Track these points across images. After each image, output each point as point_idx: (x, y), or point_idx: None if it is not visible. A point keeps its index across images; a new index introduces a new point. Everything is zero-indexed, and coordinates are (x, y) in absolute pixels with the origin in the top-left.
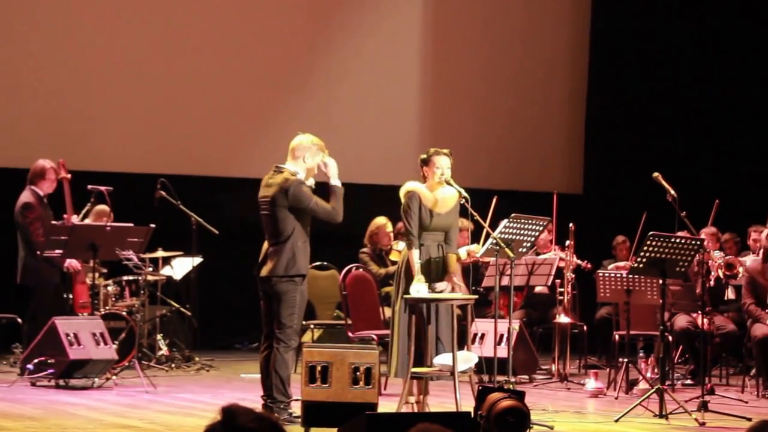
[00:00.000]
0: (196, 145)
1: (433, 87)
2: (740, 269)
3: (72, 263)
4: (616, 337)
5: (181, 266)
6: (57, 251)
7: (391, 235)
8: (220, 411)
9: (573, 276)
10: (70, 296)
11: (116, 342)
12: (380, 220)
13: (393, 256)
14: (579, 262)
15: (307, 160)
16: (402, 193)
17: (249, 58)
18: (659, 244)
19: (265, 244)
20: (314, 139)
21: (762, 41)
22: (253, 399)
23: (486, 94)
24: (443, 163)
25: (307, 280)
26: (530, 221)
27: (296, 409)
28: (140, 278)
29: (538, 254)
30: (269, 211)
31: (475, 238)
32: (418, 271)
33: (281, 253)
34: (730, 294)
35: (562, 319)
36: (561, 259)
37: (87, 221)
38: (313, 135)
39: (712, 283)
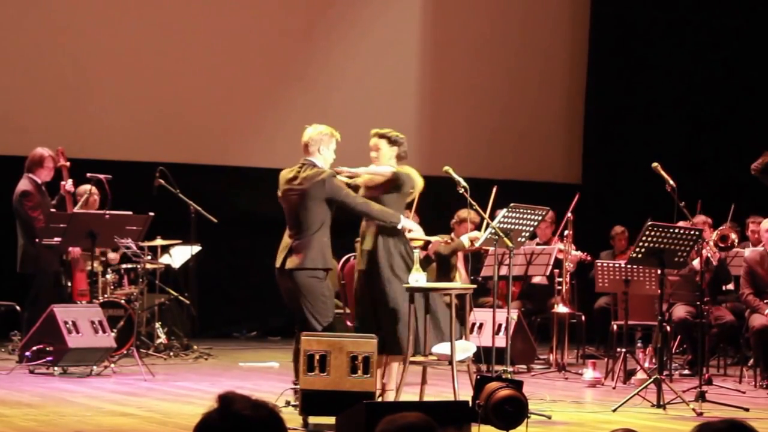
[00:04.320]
0: (196, 133)
1: (432, 77)
2: (734, 237)
3: (74, 250)
4: (615, 327)
5: (179, 254)
6: (56, 239)
7: None
8: (216, 398)
9: (571, 266)
10: (69, 284)
11: (115, 330)
12: None
13: None
14: (579, 254)
15: (323, 150)
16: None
17: (249, 48)
18: (658, 234)
19: (286, 237)
20: (323, 129)
21: (760, 35)
22: (251, 387)
23: (485, 84)
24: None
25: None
26: (529, 211)
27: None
28: (139, 266)
29: (539, 245)
30: (300, 203)
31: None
32: (417, 259)
33: (309, 246)
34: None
35: (561, 309)
36: (560, 250)
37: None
38: (321, 124)
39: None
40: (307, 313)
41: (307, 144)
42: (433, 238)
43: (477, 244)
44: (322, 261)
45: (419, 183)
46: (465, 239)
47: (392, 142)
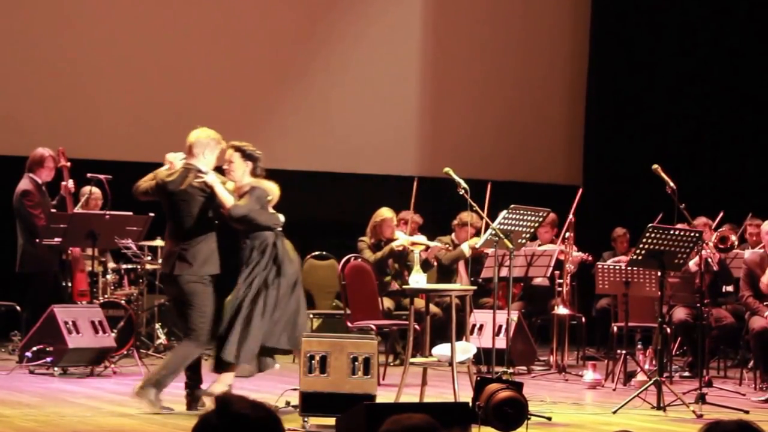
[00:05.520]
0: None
1: (432, 77)
2: (734, 239)
3: (74, 250)
4: (615, 328)
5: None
6: (56, 239)
7: (395, 227)
8: (213, 401)
9: (573, 267)
10: (69, 284)
11: (115, 330)
12: (386, 213)
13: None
14: (581, 255)
15: (207, 155)
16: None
17: (249, 49)
18: (658, 236)
19: (168, 242)
20: (212, 134)
21: (762, 35)
22: (251, 388)
23: (486, 85)
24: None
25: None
26: (529, 212)
27: (293, 398)
28: (139, 267)
29: (540, 246)
30: (183, 208)
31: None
32: (417, 260)
33: (200, 250)
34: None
35: (561, 310)
36: (561, 251)
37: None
38: (210, 129)
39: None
40: (188, 319)
41: (192, 145)
42: (434, 243)
43: (477, 245)
44: (213, 266)
45: (274, 192)
46: (466, 247)
47: (246, 156)
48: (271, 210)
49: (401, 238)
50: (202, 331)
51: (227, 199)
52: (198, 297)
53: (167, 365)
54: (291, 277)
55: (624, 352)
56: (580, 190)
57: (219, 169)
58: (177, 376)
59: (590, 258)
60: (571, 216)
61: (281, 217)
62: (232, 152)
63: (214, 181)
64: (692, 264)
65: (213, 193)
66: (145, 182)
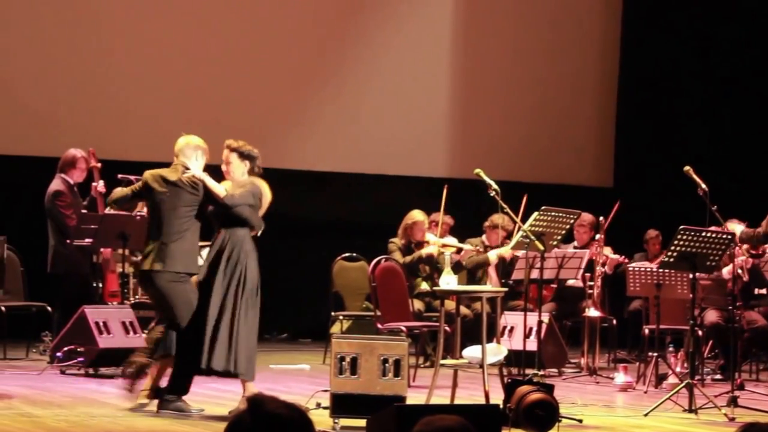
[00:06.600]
0: (226, 135)
1: (462, 78)
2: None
3: (105, 251)
4: (646, 331)
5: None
6: (87, 240)
7: (426, 230)
8: (245, 401)
9: (607, 269)
10: (100, 285)
11: (145, 331)
12: (418, 216)
13: (425, 250)
14: (617, 257)
15: (197, 160)
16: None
17: (280, 51)
18: (690, 238)
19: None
20: (198, 141)
21: None
22: (282, 389)
23: (516, 86)
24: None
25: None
26: (561, 214)
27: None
28: None
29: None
30: (168, 204)
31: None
32: (448, 262)
33: (178, 248)
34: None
35: (592, 312)
36: (594, 253)
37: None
38: (196, 135)
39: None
40: (169, 314)
41: (179, 153)
42: (465, 246)
43: (509, 247)
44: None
45: (267, 196)
46: (492, 255)
47: (243, 156)
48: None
49: (431, 246)
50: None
51: (219, 190)
52: (178, 295)
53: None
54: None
55: (655, 354)
56: (618, 203)
57: (219, 171)
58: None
59: (626, 260)
60: (601, 218)
61: (263, 225)
62: (228, 153)
63: (202, 174)
64: (725, 271)
65: (204, 186)
66: (118, 193)
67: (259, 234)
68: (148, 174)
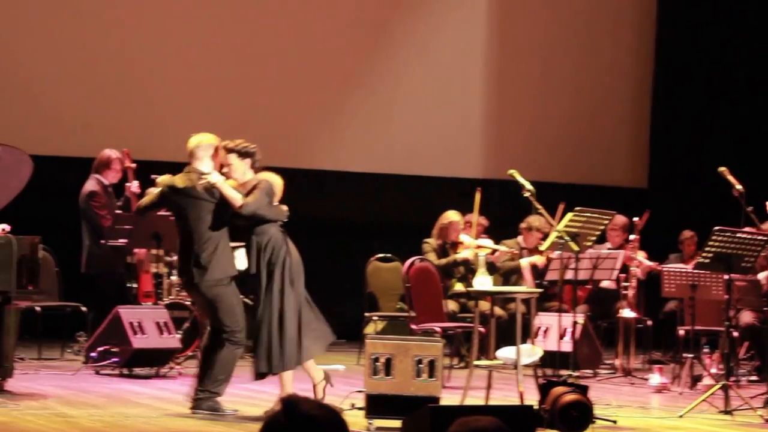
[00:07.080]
0: (261, 137)
1: (496, 79)
2: None
3: (140, 251)
4: (681, 332)
5: (244, 257)
6: (121, 240)
7: (461, 231)
8: (279, 402)
9: (641, 274)
10: (134, 285)
11: (180, 331)
12: (453, 216)
13: (460, 251)
14: (651, 264)
15: (211, 159)
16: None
17: (315, 52)
18: (725, 239)
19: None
20: (210, 140)
21: None
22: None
23: (550, 86)
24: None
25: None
26: (595, 215)
27: (358, 400)
28: None
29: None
30: (192, 212)
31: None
32: (483, 263)
33: (214, 254)
34: None
35: (627, 313)
36: (628, 256)
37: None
38: (211, 134)
39: None
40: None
41: (192, 151)
42: (500, 247)
43: (542, 248)
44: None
45: (278, 185)
46: (525, 262)
47: (242, 155)
48: (275, 203)
49: (466, 249)
50: (236, 329)
51: (235, 198)
52: (222, 300)
53: (216, 375)
54: (299, 277)
55: (690, 355)
56: (648, 212)
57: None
58: (230, 380)
59: (660, 267)
60: (635, 219)
61: (285, 209)
62: (226, 155)
63: (219, 180)
64: (761, 276)
65: (220, 194)
66: (146, 199)
67: (285, 220)
68: (161, 183)
